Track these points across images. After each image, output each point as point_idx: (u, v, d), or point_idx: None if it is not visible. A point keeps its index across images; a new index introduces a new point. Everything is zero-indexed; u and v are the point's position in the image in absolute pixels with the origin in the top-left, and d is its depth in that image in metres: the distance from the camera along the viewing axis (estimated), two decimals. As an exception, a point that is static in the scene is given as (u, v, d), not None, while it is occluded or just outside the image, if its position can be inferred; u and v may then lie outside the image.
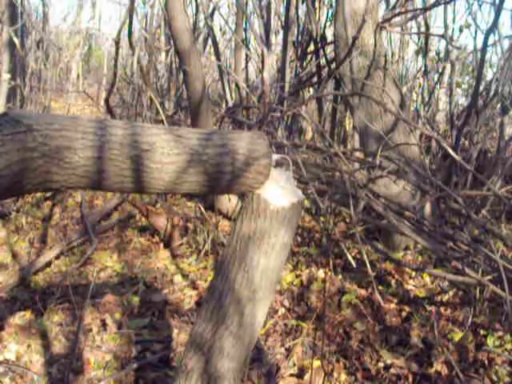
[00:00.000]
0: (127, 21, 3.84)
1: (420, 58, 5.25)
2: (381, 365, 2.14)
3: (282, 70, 4.48)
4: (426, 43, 4.55)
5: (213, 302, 1.24)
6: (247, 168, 1.15)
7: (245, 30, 4.97)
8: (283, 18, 4.69)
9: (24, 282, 2.76)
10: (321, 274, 2.87)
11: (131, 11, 3.85)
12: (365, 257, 2.28)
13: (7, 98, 4.62)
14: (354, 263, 2.40)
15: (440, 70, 4.98)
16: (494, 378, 2.05)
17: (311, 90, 5.30)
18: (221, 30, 6.65)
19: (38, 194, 3.89)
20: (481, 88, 3.90)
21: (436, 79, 5.00)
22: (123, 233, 3.53)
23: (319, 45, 4.23)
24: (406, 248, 3.25)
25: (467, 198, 3.12)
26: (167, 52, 5.90)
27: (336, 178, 2.85)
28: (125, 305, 2.59)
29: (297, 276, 2.90)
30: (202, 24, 5.81)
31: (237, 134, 1.17)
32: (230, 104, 4.82)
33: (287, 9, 4.39)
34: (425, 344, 2.27)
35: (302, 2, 4.59)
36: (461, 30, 4.52)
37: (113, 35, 7.01)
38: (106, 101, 3.90)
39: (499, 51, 3.94)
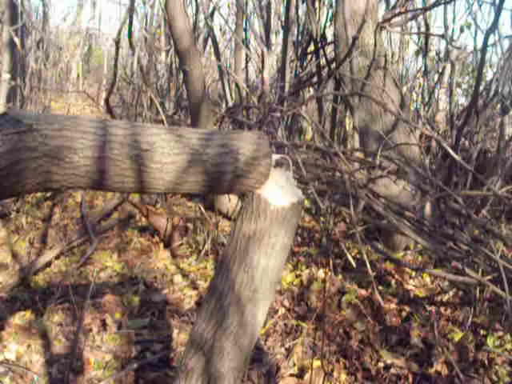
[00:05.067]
0: (127, 21, 3.84)
1: (420, 58, 5.25)
2: (381, 365, 2.14)
3: (281, 70, 4.48)
4: (426, 43, 4.54)
5: (213, 302, 1.24)
6: (247, 168, 1.15)
7: (245, 30, 4.97)
8: (283, 18, 4.69)
9: (24, 282, 2.76)
10: (321, 274, 2.87)
11: (131, 11, 3.85)
12: (365, 257, 2.28)
13: (7, 98, 4.62)
14: (353, 263, 2.40)
15: (440, 70, 4.97)
16: (494, 378, 2.05)
17: (311, 89, 5.30)
18: (221, 30, 6.65)
19: (38, 194, 3.89)
20: (481, 88, 3.90)
21: (436, 79, 5.00)
22: (123, 233, 3.53)
23: (319, 45, 4.22)
24: (406, 248, 3.25)
25: (467, 198, 3.12)
26: (167, 52, 5.90)
27: (336, 177, 2.85)
28: (125, 305, 2.59)
29: (297, 276, 2.90)
30: (202, 24, 5.81)
31: (237, 133, 1.17)
32: (230, 104, 4.82)
33: (287, 9, 4.39)
34: (425, 344, 2.27)
35: (302, 2, 4.59)
36: (461, 30, 4.51)
37: (113, 35, 7.02)
38: (106, 101, 3.90)
39: (499, 51, 3.94)
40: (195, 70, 3.29)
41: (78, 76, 9.57)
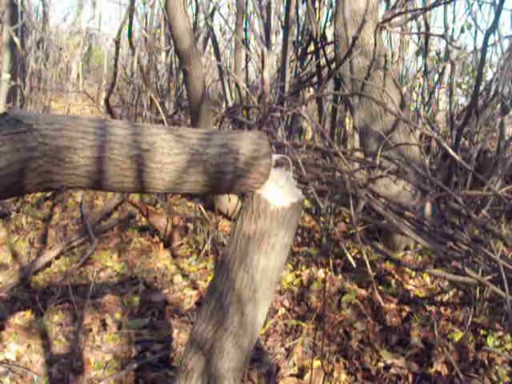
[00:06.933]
0: (127, 21, 3.84)
1: (420, 58, 5.25)
2: (381, 365, 2.14)
3: (282, 70, 4.47)
4: (426, 43, 4.54)
5: (213, 301, 1.24)
6: (248, 168, 1.14)
7: (245, 30, 4.96)
8: (283, 18, 4.68)
9: (24, 282, 2.76)
10: (321, 274, 2.87)
11: (131, 11, 3.85)
12: (365, 257, 2.28)
13: (7, 98, 4.61)
14: (354, 263, 2.40)
15: (440, 70, 4.97)
16: (494, 378, 2.05)
17: (311, 89, 5.30)
18: (221, 29, 6.65)
19: (38, 194, 3.89)
20: (481, 88, 3.90)
21: (436, 79, 5.00)
22: (123, 233, 3.53)
23: (319, 45, 4.22)
24: (406, 248, 3.25)
25: (467, 197, 3.12)
26: (167, 52, 5.89)
27: (336, 178, 2.85)
28: (125, 305, 2.59)
29: (297, 276, 2.90)
30: (202, 24, 5.80)
31: (237, 133, 1.17)
32: (230, 104, 4.81)
33: (287, 9, 4.38)
34: (425, 344, 2.27)
35: (302, 2, 4.58)
36: (462, 31, 4.51)
37: (113, 35, 7.01)
38: (106, 101, 3.90)
39: (499, 51, 3.94)
40: (195, 70, 3.28)
41: (78, 76, 9.56)
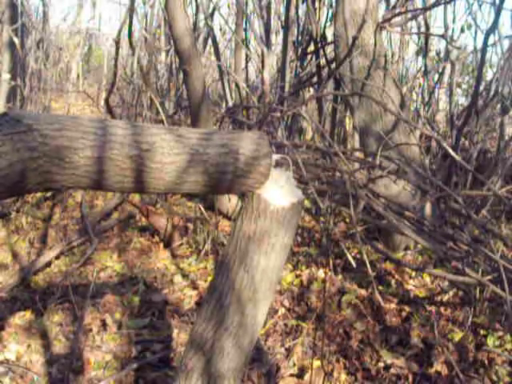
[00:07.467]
0: (127, 21, 3.84)
1: (420, 58, 5.25)
2: (381, 365, 2.14)
3: (282, 70, 4.48)
4: (426, 43, 4.54)
5: (213, 301, 1.24)
6: (248, 168, 1.15)
7: (245, 30, 4.96)
8: (283, 18, 4.69)
9: (24, 282, 2.76)
10: (321, 274, 2.87)
11: (131, 11, 3.85)
12: (365, 257, 2.28)
13: (7, 98, 4.61)
14: (354, 263, 2.40)
15: (440, 70, 4.97)
16: (494, 377, 2.05)
17: (311, 89, 5.30)
18: (221, 29, 6.65)
19: (38, 194, 3.89)
20: (481, 88, 3.90)
21: (436, 79, 5.00)
22: (123, 233, 3.53)
23: (319, 45, 4.22)
24: (406, 248, 3.25)
25: (467, 197, 3.12)
26: (167, 52, 5.89)
27: (336, 178, 2.85)
28: (125, 305, 2.59)
29: (297, 276, 2.90)
30: (202, 24, 5.80)
31: (237, 134, 1.17)
32: (230, 104, 4.81)
33: (287, 9, 4.39)
34: (425, 344, 2.27)
35: (302, 2, 4.58)
36: (462, 31, 4.51)
37: (113, 35, 7.00)
38: (106, 101, 3.90)
39: (499, 51, 3.94)
40: (195, 70, 3.28)
41: (78, 76, 9.56)
